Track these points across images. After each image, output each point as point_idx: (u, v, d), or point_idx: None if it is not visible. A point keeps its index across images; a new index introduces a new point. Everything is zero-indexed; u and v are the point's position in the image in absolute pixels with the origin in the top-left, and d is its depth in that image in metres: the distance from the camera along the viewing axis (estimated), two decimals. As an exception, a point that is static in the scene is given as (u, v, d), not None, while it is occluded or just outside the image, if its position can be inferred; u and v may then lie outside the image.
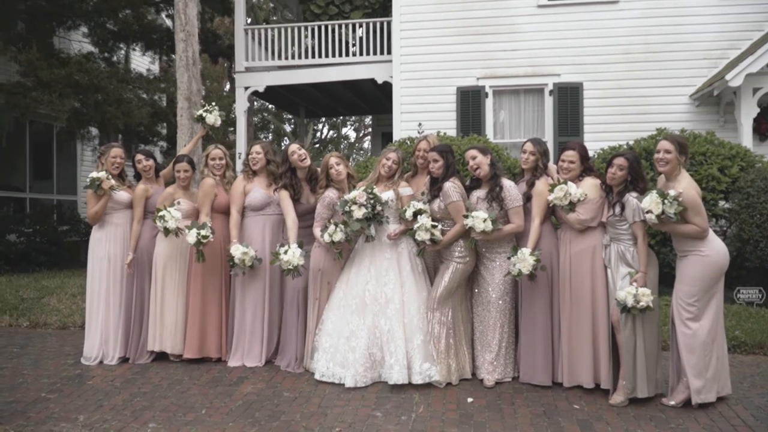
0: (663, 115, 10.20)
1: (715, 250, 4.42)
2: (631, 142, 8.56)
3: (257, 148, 5.76)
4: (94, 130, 13.09)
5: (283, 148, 28.49)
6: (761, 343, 5.97)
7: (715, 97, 10.27)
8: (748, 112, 9.63)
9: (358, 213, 4.91)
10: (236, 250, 5.28)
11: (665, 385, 4.70)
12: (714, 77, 10.19)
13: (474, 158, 5.00)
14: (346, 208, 4.95)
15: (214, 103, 6.42)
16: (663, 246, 7.47)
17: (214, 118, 6.27)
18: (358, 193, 4.96)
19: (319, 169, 5.62)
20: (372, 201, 4.95)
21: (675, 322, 4.49)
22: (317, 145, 31.81)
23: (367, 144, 34.18)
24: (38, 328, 7.18)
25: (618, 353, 4.62)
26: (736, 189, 7.93)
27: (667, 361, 4.83)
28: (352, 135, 35.48)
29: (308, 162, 5.57)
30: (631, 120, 10.37)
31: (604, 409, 4.47)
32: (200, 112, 6.29)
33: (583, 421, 4.26)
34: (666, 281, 4.90)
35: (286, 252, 5.04)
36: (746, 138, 9.53)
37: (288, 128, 30.51)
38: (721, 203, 7.99)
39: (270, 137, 30.31)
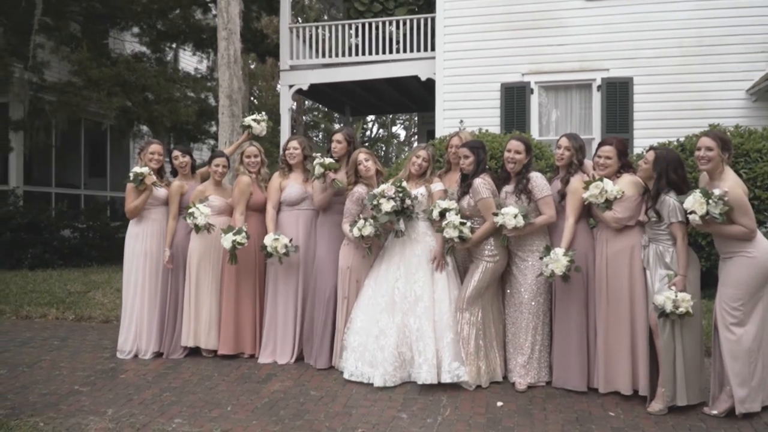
0: (717, 111, 9.75)
1: (762, 251, 4.16)
2: (682, 139, 8.20)
3: (294, 143, 5.74)
4: (144, 128, 13.44)
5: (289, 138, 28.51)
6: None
7: (774, 92, 9.76)
8: (809, 108, 9.11)
9: (387, 206, 4.82)
10: (267, 239, 5.30)
11: (707, 393, 4.45)
12: (773, 71, 9.68)
13: (518, 152, 4.84)
14: (375, 202, 4.88)
15: (264, 113, 6.42)
16: (714, 248, 7.11)
17: (261, 128, 6.27)
18: (386, 186, 4.88)
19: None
20: (401, 194, 4.86)
21: (718, 327, 4.24)
22: (367, 144, 31.88)
23: (416, 142, 34.06)
24: (82, 322, 7.35)
25: (657, 359, 4.40)
26: (794, 188, 7.50)
27: (709, 368, 4.58)
28: (402, 133, 35.47)
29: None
30: (683, 116, 9.94)
31: (641, 417, 4.26)
32: (248, 120, 6.28)
33: (618, 429, 4.08)
34: (710, 283, 4.64)
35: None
36: (807, 135, 8.99)
37: (337, 127, 30.72)
38: (776, 202, 7.56)
39: (320, 136, 30.56)
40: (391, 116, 31.28)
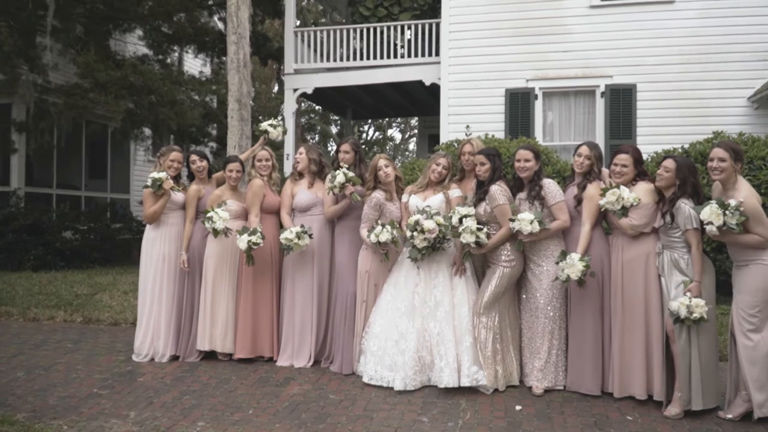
0: (720, 118, 9.87)
1: (778, 258, 4.24)
2: (686, 146, 8.31)
3: (300, 149, 5.90)
4: (147, 131, 13.44)
5: (329, 150, 28.79)
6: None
7: (776, 100, 9.88)
8: (810, 115, 9.24)
9: (420, 244, 4.88)
10: (281, 236, 5.37)
11: (722, 398, 4.53)
12: (775, 79, 9.81)
13: (528, 160, 4.94)
14: (414, 233, 4.89)
15: (280, 118, 6.51)
16: (719, 253, 7.22)
17: (277, 133, 6.34)
18: (432, 227, 4.86)
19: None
20: (439, 239, 4.91)
21: (735, 333, 4.31)
22: (363, 147, 31.92)
23: (412, 146, 34.17)
24: (91, 324, 7.37)
25: (673, 364, 4.46)
26: (797, 195, 7.60)
27: (724, 373, 4.66)
28: (398, 136, 35.58)
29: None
30: (686, 123, 10.05)
31: (658, 422, 4.33)
32: (264, 125, 6.33)
33: (636, 433, 4.15)
34: (722, 290, 4.73)
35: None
36: (808, 142, 9.11)
37: (334, 130, 30.75)
38: (780, 210, 7.66)
39: (316, 138, 30.59)
40: (387, 119, 31.34)
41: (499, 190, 4.91)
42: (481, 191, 5.03)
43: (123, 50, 13.88)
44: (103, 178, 15.26)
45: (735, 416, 4.31)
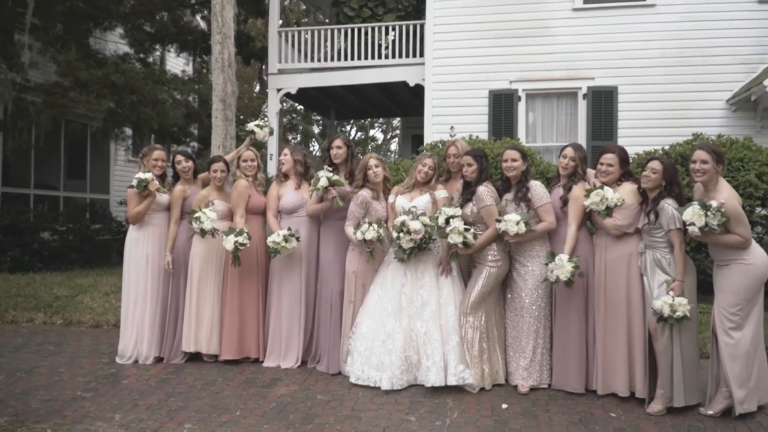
0: (699, 120, 10.01)
1: (757, 258, 4.34)
2: (666, 147, 8.42)
3: (285, 150, 5.89)
4: (127, 130, 13.30)
5: (312, 149, 28.72)
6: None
7: (752, 103, 10.03)
8: (786, 118, 9.42)
9: (407, 244, 4.90)
10: (269, 240, 5.35)
11: (703, 395, 4.61)
12: (751, 82, 9.98)
13: (515, 160, 4.99)
14: (400, 234, 4.91)
15: (267, 119, 6.49)
16: (698, 252, 7.33)
17: (264, 134, 6.32)
18: (418, 228, 4.88)
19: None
20: (425, 240, 4.94)
21: (717, 332, 4.40)
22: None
23: (394, 146, 34.23)
24: (72, 326, 7.26)
25: (655, 361, 4.54)
26: (775, 196, 7.75)
27: (705, 370, 4.75)
28: (380, 137, 35.59)
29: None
30: (666, 125, 10.18)
31: (641, 418, 4.40)
32: (251, 126, 6.31)
33: (620, 429, 4.21)
34: (702, 288, 4.83)
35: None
36: (784, 144, 9.30)
37: (316, 130, 30.68)
38: (759, 210, 7.81)
39: (298, 138, 30.50)
40: (369, 119, 31.34)
41: (486, 191, 4.95)
42: (468, 192, 5.07)
43: (103, 48, 13.71)
44: (82, 178, 15.08)
45: (716, 412, 4.40)
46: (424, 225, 4.89)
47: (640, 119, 10.52)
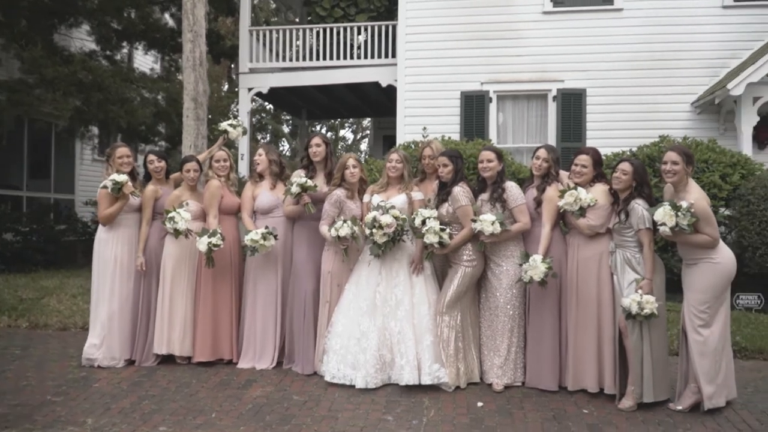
0: (666, 122, 10.25)
1: (725, 257, 4.46)
2: (634, 149, 8.61)
3: (259, 150, 5.85)
4: (94, 129, 13.02)
5: (282, 149, 28.54)
6: (761, 348, 6.05)
7: (716, 105, 10.32)
8: (748, 121, 9.68)
9: (381, 239, 4.92)
10: (246, 238, 5.32)
11: (672, 391, 4.72)
12: (715, 86, 10.25)
13: (490, 161, 5.04)
14: (373, 230, 4.93)
15: (240, 119, 6.44)
16: (664, 252, 7.51)
17: (237, 133, 6.28)
18: (390, 222, 4.90)
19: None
20: (400, 226, 4.96)
21: (687, 329, 4.51)
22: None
23: (363, 146, 34.26)
24: (38, 329, 7.10)
25: (625, 358, 4.63)
26: (737, 196, 8.02)
27: (674, 366, 4.87)
28: (350, 137, 35.57)
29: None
30: (634, 126, 10.39)
31: (613, 414, 4.49)
32: (224, 125, 6.26)
33: (593, 425, 4.29)
34: (669, 287, 4.96)
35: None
36: (746, 146, 9.59)
37: (286, 129, 30.52)
38: (722, 210, 8.05)
39: (268, 138, 30.30)
40: (339, 119, 31.30)
41: (461, 192, 5.00)
42: (444, 192, 5.11)
43: (68, 46, 13.41)
44: (47, 178, 14.71)
45: (685, 407, 4.52)
46: (395, 218, 4.93)
47: (609, 121, 10.72)
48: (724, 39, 10.56)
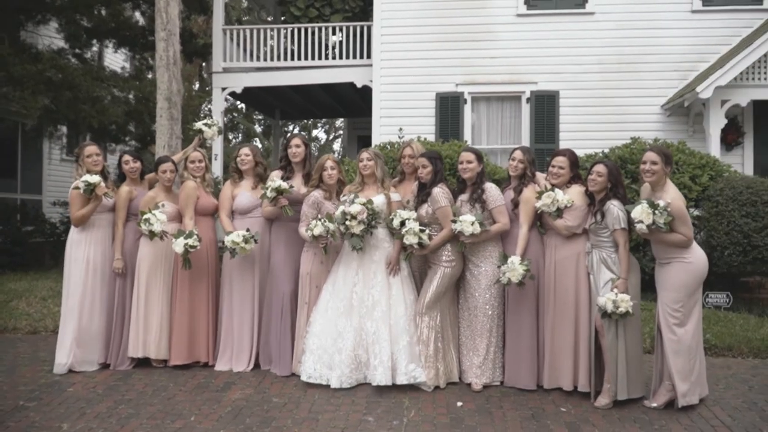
0: (636, 124, 10.46)
1: (697, 257, 4.56)
2: (606, 150, 8.75)
3: (246, 150, 5.77)
4: (63, 129, 12.75)
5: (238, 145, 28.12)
6: (730, 346, 6.18)
7: (685, 108, 10.55)
8: (716, 123, 9.91)
9: (358, 229, 4.93)
10: (227, 239, 5.28)
11: (647, 388, 4.81)
12: (684, 89, 10.47)
13: (470, 162, 5.08)
14: (346, 222, 4.94)
15: (216, 119, 6.36)
16: (636, 252, 7.65)
17: (212, 133, 6.20)
18: (359, 209, 4.93)
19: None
20: (371, 216, 4.98)
21: (661, 328, 4.59)
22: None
23: (336, 146, 34.19)
24: (7, 333, 6.94)
25: (601, 357, 4.71)
26: (706, 197, 8.20)
27: (648, 364, 4.96)
28: (323, 136, 35.42)
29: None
30: (606, 128, 10.58)
31: (590, 412, 4.56)
32: (199, 125, 6.19)
33: (571, 423, 4.35)
34: (641, 286, 5.06)
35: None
36: (714, 148, 9.81)
37: (258, 128, 30.29)
38: (692, 211, 8.22)
39: (240, 137, 30.04)
40: (313, 119, 31.17)
41: (441, 193, 5.03)
42: (424, 193, 5.13)
43: (36, 43, 13.13)
44: (13, 177, 14.37)
45: (659, 405, 4.60)
46: (362, 204, 4.95)
47: (581, 123, 10.89)
48: (693, 43, 10.81)
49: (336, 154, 31.65)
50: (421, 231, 4.91)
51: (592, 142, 9.74)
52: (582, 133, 10.68)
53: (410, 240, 4.90)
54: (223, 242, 5.33)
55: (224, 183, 5.95)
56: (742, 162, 10.58)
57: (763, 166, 10.41)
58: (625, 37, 10.93)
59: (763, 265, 7.81)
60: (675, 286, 4.53)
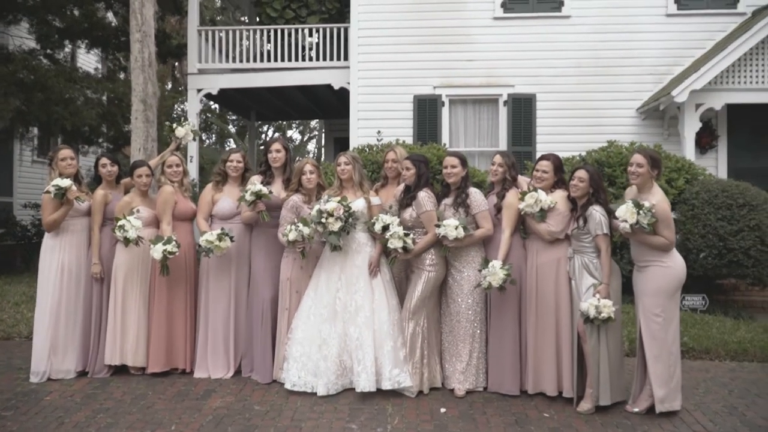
0: (613, 128, 10.58)
1: (676, 262, 4.61)
2: (583, 154, 8.81)
3: (238, 156, 5.69)
4: (34, 130, 12.47)
5: (228, 149, 27.85)
6: (708, 349, 6.26)
7: (660, 111, 10.68)
8: (691, 127, 10.04)
9: (335, 226, 4.88)
10: (201, 239, 5.20)
11: (628, 393, 4.84)
12: (660, 92, 10.60)
13: (454, 167, 5.08)
14: (322, 220, 4.91)
15: (189, 121, 6.26)
16: (613, 255, 7.70)
17: (184, 131, 6.08)
18: (335, 206, 4.90)
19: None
20: (347, 213, 4.94)
21: (643, 333, 4.61)
22: (262, 147, 31.32)
23: (311, 146, 34.08)
24: (-21, 339, 6.78)
25: (584, 362, 4.73)
26: (682, 200, 8.29)
27: (628, 368, 4.99)
28: (297, 137, 35.23)
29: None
30: (582, 131, 10.67)
31: (572, 417, 4.58)
32: (176, 127, 6.10)
33: (555, 429, 4.37)
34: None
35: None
36: (688, 151, 9.95)
37: (232, 129, 30.02)
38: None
39: (213, 138, 29.74)
40: (287, 120, 30.98)
41: (426, 197, 5.02)
42: (408, 197, 5.11)
43: (6, 43, 12.83)
44: (-18, 181, 14.05)
45: (641, 410, 4.64)
46: (338, 202, 4.93)
47: (558, 126, 10.96)
48: (668, 47, 10.95)
49: (311, 155, 31.55)
50: (406, 235, 4.90)
51: (568, 145, 9.78)
52: (559, 136, 10.75)
53: (395, 244, 4.88)
54: (200, 245, 5.24)
55: (200, 185, 5.84)
56: (716, 165, 10.76)
57: (737, 169, 10.57)
58: (601, 41, 11.04)
59: (738, 268, 7.92)
60: (653, 290, 4.57)
